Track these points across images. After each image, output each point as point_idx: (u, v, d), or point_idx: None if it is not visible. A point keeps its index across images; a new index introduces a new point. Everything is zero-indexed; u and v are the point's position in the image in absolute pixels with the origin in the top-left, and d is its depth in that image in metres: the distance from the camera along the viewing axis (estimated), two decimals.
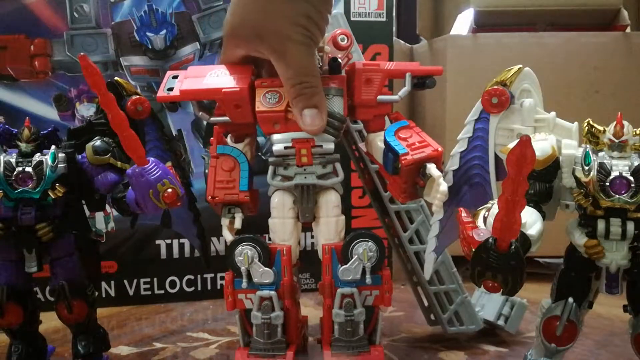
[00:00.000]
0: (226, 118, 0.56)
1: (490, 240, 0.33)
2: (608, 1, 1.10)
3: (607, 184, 0.47)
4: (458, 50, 1.09)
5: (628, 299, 0.52)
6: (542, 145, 0.50)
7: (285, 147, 0.54)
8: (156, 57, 0.92)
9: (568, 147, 0.51)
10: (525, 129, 0.55)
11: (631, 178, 0.46)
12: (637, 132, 0.49)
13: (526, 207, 0.37)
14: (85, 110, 0.90)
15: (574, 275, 0.52)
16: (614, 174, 0.47)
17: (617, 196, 0.46)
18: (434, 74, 0.57)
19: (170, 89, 0.56)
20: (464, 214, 0.46)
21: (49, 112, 0.90)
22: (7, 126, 0.56)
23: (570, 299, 0.51)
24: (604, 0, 1.10)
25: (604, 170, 0.47)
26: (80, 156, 0.57)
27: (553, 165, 0.50)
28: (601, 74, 1.06)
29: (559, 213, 0.53)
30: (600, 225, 0.48)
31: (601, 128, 0.49)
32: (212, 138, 0.56)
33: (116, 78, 0.59)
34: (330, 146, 0.54)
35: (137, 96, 0.59)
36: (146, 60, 0.92)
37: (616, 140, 0.48)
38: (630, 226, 0.48)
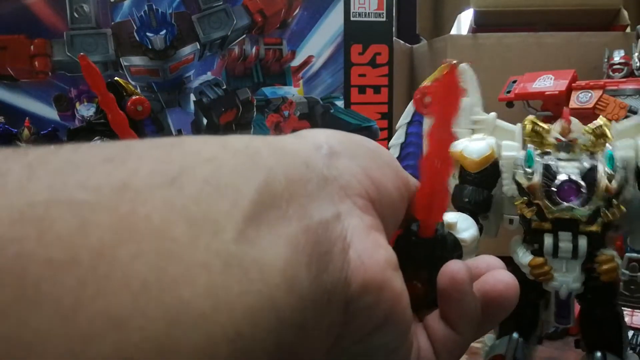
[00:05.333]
0: (549, 113, 0.68)
1: (414, 225, 0.24)
2: (608, 1, 1.10)
3: (554, 189, 0.38)
4: (458, 50, 1.08)
5: (581, 332, 0.44)
6: (478, 145, 0.42)
7: None
8: (156, 57, 0.92)
9: (509, 148, 0.42)
10: (462, 132, 0.47)
11: (582, 182, 0.37)
12: (588, 129, 0.41)
13: (458, 212, 0.31)
14: (85, 110, 0.90)
15: (519, 303, 0.43)
16: (561, 177, 0.38)
17: (565, 204, 0.38)
18: None
19: (509, 92, 0.71)
20: None
21: (49, 112, 0.90)
22: (7, 126, 0.56)
23: (515, 334, 0.43)
24: (604, 0, 1.10)
25: (549, 173, 0.38)
26: None
27: (492, 169, 0.42)
28: (601, 74, 1.06)
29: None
30: (548, 240, 0.39)
31: (545, 126, 0.42)
32: None
33: (116, 78, 0.59)
34: None
35: (137, 96, 0.59)
36: (146, 60, 0.92)
37: (563, 139, 0.39)
38: (583, 241, 0.39)
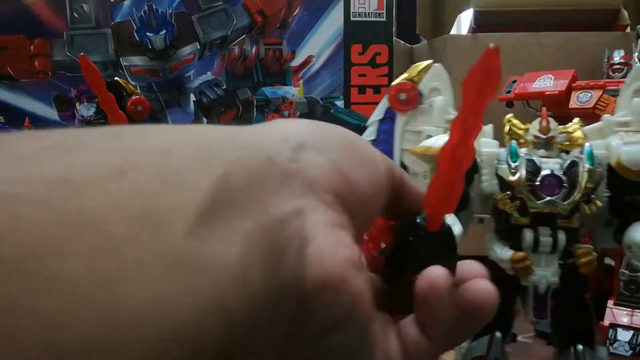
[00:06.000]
0: (549, 113, 0.69)
1: (419, 218, 0.23)
2: (608, 1, 1.10)
3: (537, 183, 0.39)
4: (458, 50, 1.08)
5: (553, 328, 0.45)
6: None
7: None
8: (156, 57, 0.92)
9: (488, 145, 0.42)
10: (436, 130, 0.47)
11: (563, 177, 0.39)
12: (564, 129, 0.42)
13: None
14: (85, 110, 0.90)
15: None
16: (544, 172, 0.39)
17: (548, 198, 0.39)
18: None
19: (509, 92, 0.73)
20: None
21: (49, 112, 0.90)
22: (7, 126, 0.56)
23: (498, 333, 0.43)
24: (604, 0, 1.10)
25: (533, 167, 0.39)
26: None
27: (471, 166, 0.42)
28: (601, 74, 1.06)
29: None
30: (528, 235, 0.40)
31: (523, 125, 0.43)
32: None
33: (116, 78, 0.59)
34: None
35: (137, 96, 0.59)
36: (146, 60, 0.92)
37: (543, 137, 0.41)
38: (562, 236, 0.40)
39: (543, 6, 1.11)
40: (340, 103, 0.95)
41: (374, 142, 0.49)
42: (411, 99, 0.48)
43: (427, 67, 0.48)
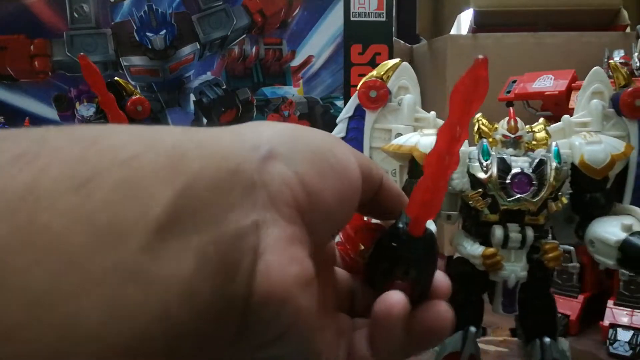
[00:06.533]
0: (549, 113, 0.69)
1: (401, 223, 0.22)
2: (608, 1, 1.10)
3: (508, 181, 0.40)
4: (458, 50, 1.08)
5: (519, 321, 0.46)
6: (431, 139, 0.42)
7: None
8: (156, 57, 0.92)
9: None
10: (405, 128, 0.47)
11: (532, 175, 0.40)
12: (530, 128, 0.44)
13: None
14: (85, 110, 0.90)
15: (466, 296, 0.44)
16: (515, 170, 0.40)
17: (518, 195, 0.40)
18: None
19: (509, 92, 0.74)
20: None
21: (49, 112, 0.90)
22: (7, 126, 0.56)
23: (473, 328, 0.44)
24: (604, 0, 1.10)
25: (504, 166, 0.40)
26: None
27: None
28: None
29: None
30: (499, 231, 0.41)
31: (491, 125, 0.44)
32: None
33: (116, 78, 0.59)
34: None
35: (137, 96, 0.59)
36: (146, 60, 0.92)
37: (511, 136, 0.42)
38: (530, 232, 0.41)
39: (543, 6, 1.11)
40: (340, 103, 0.95)
41: (344, 140, 0.49)
42: (381, 97, 0.48)
43: (395, 66, 0.49)
